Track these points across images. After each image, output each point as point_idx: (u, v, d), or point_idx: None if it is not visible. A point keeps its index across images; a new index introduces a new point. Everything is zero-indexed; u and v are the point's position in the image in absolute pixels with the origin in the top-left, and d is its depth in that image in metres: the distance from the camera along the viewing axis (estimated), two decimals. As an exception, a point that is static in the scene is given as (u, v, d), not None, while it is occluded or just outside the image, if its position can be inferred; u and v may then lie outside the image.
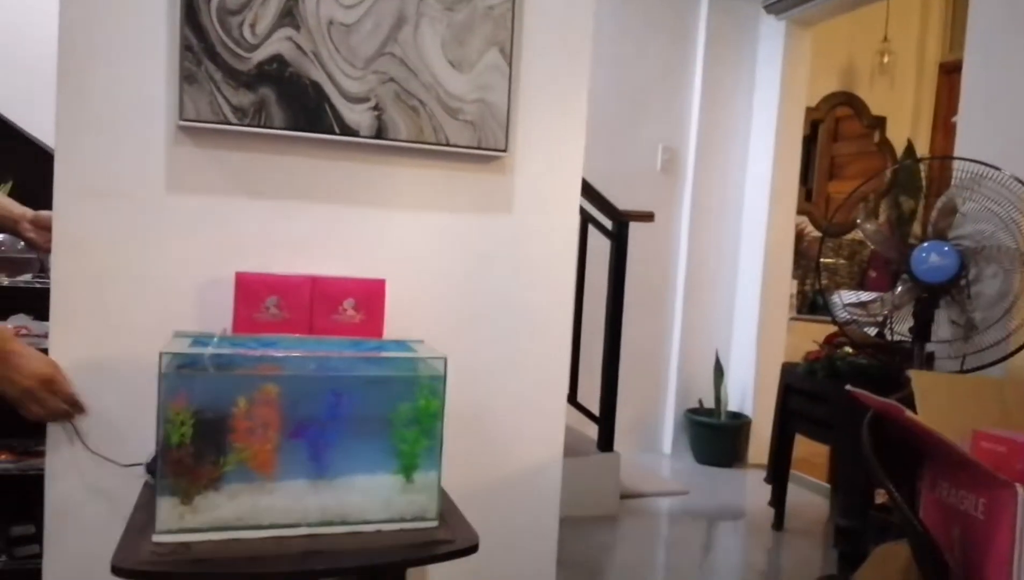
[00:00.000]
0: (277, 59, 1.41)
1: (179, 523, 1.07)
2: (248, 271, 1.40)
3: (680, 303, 4.11)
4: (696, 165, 4.06)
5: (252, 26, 1.39)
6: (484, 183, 1.61)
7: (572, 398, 3.15)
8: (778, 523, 3.08)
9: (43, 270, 1.96)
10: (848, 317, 2.38)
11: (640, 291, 3.81)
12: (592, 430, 3.23)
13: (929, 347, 2.28)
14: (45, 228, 1.53)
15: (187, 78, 1.36)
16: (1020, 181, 2.08)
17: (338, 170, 1.51)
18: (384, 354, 1.26)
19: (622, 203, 3.21)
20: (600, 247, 3.19)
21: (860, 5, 3.84)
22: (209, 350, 1.11)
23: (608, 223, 3.19)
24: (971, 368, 2.15)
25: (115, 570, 0.99)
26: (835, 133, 5.04)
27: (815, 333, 3.24)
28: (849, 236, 4.78)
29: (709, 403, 4.05)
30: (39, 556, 1.43)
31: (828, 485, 3.46)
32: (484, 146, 1.55)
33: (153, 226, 1.41)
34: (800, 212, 4.47)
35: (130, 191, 1.39)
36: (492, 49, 1.54)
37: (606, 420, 3.18)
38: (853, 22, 4.65)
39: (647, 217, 3.26)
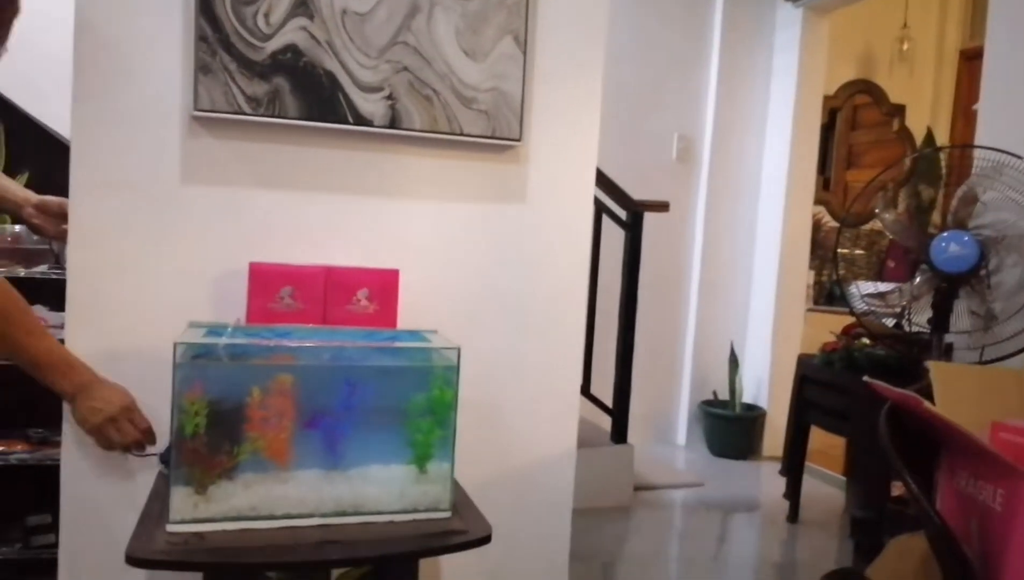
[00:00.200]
0: (291, 49, 1.41)
1: (193, 513, 1.07)
2: (262, 261, 1.41)
3: (695, 294, 4.09)
4: (712, 155, 4.03)
5: (266, 16, 1.39)
6: (498, 173, 1.60)
7: (586, 389, 3.14)
8: (793, 515, 3.06)
9: (58, 261, 1.98)
10: (866, 308, 2.36)
11: (654, 282, 3.79)
12: (606, 422, 3.22)
13: (948, 338, 2.25)
14: (50, 213, 1.53)
15: (202, 68, 1.36)
16: (1042, 170, 2.05)
17: (352, 160, 1.51)
18: (398, 344, 1.26)
19: (637, 193, 3.19)
20: (614, 237, 3.17)
21: (879, -8, 3.79)
22: (223, 340, 1.11)
23: (623, 213, 3.17)
24: (990, 359, 2.13)
25: (129, 559, 1.00)
26: (853, 121, 4.99)
27: (832, 324, 3.21)
28: (867, 226, 4.73)
29: (724, 395, 4.03)
30: (55, 546, 1.44)
31: (843, 477, 3.44)
32: (498, 135, 1.54)
33: (168, 217, 1.41)
34: (817, 202, 4.43)
35: (145, 182, 1.40)
36: (506, 38, 1.53)
37: (620, 412, 3.17)
38: (872, 9, 4.59)
39: (662, 207, 3.23)
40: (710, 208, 4.06)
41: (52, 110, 2.06)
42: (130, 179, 1.39)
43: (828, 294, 4.82)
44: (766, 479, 3.62)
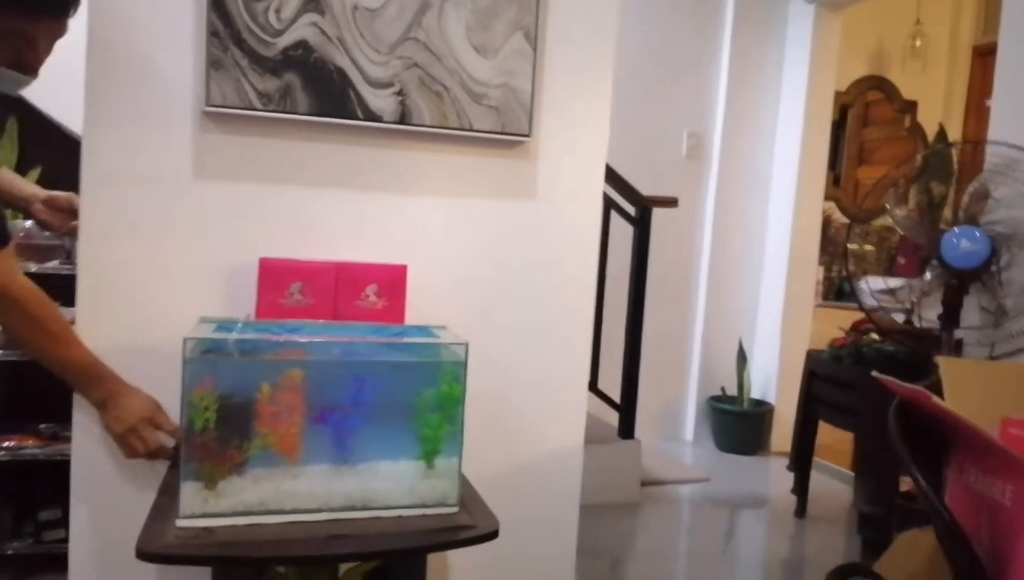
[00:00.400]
0: (302, 44, 1.41)
1: (203, 508, 1.08)
2: (272, 257, 1.41)
3: (703, 289, 4.08)
4: (722, 151, 4.02)
5: (277, 12, 1.39)
6: (507, 168, 1.60)
7: (593, 385, 3.15)
8: (801, 510, 3.06)
9: (69, 257, 1.99)
10: (876, 304, 2.36)
11: (663, 277, 3.78)
12: (613, 417, 3.22)
13: (958, 334, 2.25)
14: (59, 209, 1.54)
15: (213, 64, 1.37)
16: (1055, 166, 2.03)
17: (362, 156, 1.51)
18: (407, 340, 1.27)
19: (646, 189, 3.18)
20: (623, 233, 3.17)
21: (891, -14, 3.77)
22: (233, 335, 1.12)
23: (632, 209, 3.17)
24: (1001, 355, 2.12)
25: (140, 554, 1.01)
26: (865, 118, 4.96)
27: (841, 320, 3.20)
28: (877, 222, 4.71)
29: (732, 390, 4.02)
30: (66, 540, 1.45)
31: (851, 472, 3.43)
32: (508, 131, 1.54)
33: (179, 212, 1.42)
34: (828, 198, 4.41)
35: (156, 177, 1.40)
36: (517, 34, 1.53)
37: (627, 407, 3.17)
38: (884, 5, 4.56)
39: (671, 202, 3.23)
40: (719, 204, 4.05)
41: (64, 106, 2.07)
42: (141, 174, 1.39)
43: (837, 290, 4.81)
44: (774, 475, 3.62)
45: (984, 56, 4.82)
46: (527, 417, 1.66)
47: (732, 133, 4.02)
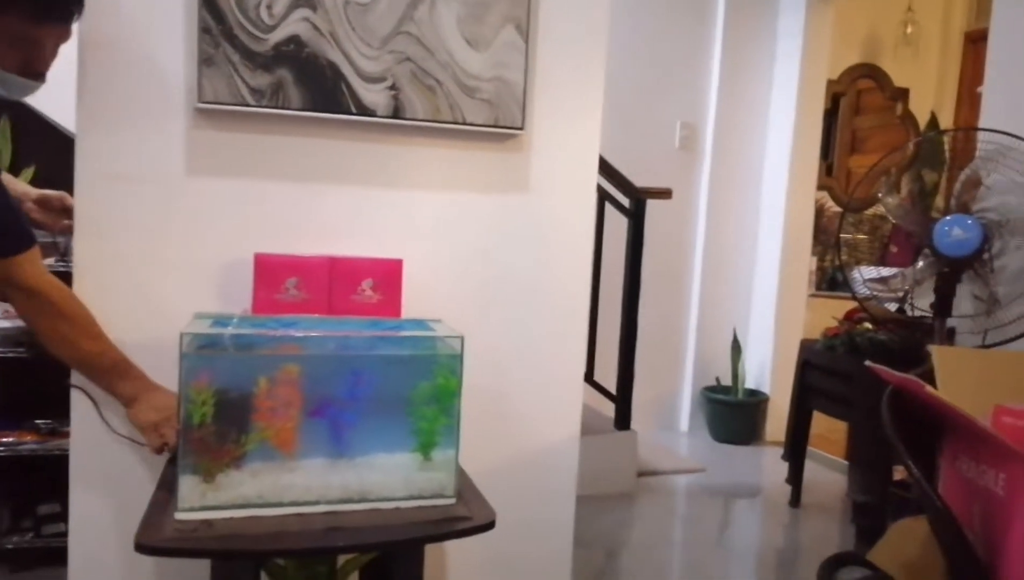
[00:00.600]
0: (294, 40, 1.41)
1: (201, 501, 1.09)
2: (267, 253, 1.41)
3: (698, 280, 4.09)
4: (715, 141, 4.02)
5: (269, 7, 1.39)
6: (501, 161, 1.61)
7: (589, 376, 3.16)
8: (795, 500, 3.08)
9: (64, 254, 1.99)
10: (868, 293, 2.37)
11: (657, 268, 3.79)
12: (609, 408, 3.23)
13: (950, 322, 2.26)
14: (51, 208, 1.54)
15: (205, 60, 1.37)
16: (1046, 154, 2.04)
17: (355, 150, 1.51)
18: (403, 333, 1.27)
19: (640, 180, 3.19)
20: (617, 225, 3.17)
21: (883, -25, 3.77)
22: (230, 330, 1.12)
23: (625, 201, 3.17)
24: (993, 343, 2.13)
25: (139, 547, 1.02)
26: (857, 106, 4.97)
27: (834, 309, 3.21)
28: (870, 211, 4.72)
29: (726, 381, 4.04)
30: (65, 534, 1.46)
31: (845, 462, 3.45)
32: (501, 124, 1.55)
33: (173, 209, 1.42)
34: (820, 187, 4.42)
35: (150, 174, 1.40)
36: (508, 26, 1.53)
37: (623, 398, 3.18)
38: (876, -8, 4.56)
39: (665, 194, 3.23)
40: (713, 195, 4.05)
41: (58, 104, 2.06)
42: (135, 172, 1.39)
43: (831, 280, 4.82)
44: (768, 464, 3.64)
45: (976, 43, 4.82)
46: (523, 409, 1.67)
47: (725, 123, 4.02)
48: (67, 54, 1.35)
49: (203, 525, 1.07)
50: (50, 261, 2.02)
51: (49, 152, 1.70)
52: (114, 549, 1.43)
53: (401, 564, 1.20)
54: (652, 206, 3.18)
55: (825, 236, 4.73)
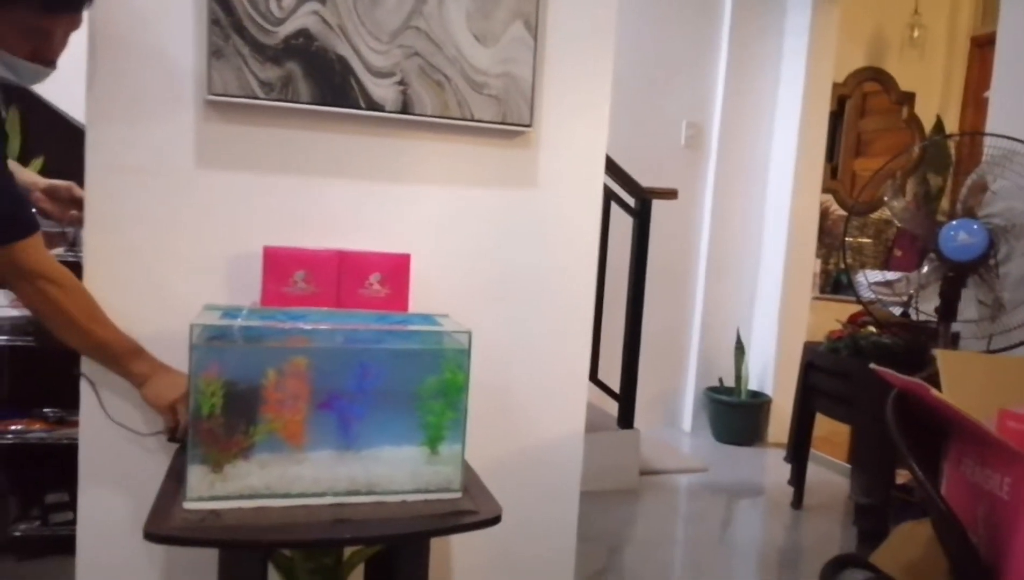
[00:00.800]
0: (303, 33, 1.41)
1: (210, 491, 1.09)
2: (276, 246, 1.42)
3: (702, 281, 4.10)
4: (720, 141, 4.02)
5: (279, 0, 1.39)
6: (508, 158, 1.61)
7: (593, 375, 3.16)
8: (797, 501, 3.08)
9: (74, 244, 2.00)
10: (873, 296, 2.37)
11: (662, 268, 3.79)
12: (612, 407, 3.24)
13: (955, 327, 2.26)
14: (59, 198, 1.55)
15: (215, 53, 1.37)
16: (1053, 158, 2.04)
17: (364, 145, 1.52)
18: (410, 327, 1.28)
19: (645, 180, 3.19)
20: (623, 224, 3.18)
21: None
22: (239, 322, 1.13)
23: (631, 200, 3.17)
24: (998, 348, 2.13)
25: (148, 535, 1.02)
26: (862, 109, 4.96)
27: (838, 312, 3.22)
28: (875, 215, 4.72)
29: (729, 381, 4.04)
30: (73, 523, 1.46)
31: (847, 464, 3.45)
32: (509, 121, 1.55)
33: (182, 201, 1.43)
34: (825, 190, 4.42)
35: (160, 166, 1.41)
36: (517, 22, 1.53)
37: (626, 397, 3.19)
38: (882, -5, 4.56)
39: (670, 194, 3.23)
40: (718, 195, 4.05)
41: (67, 95, 2.07)
42: (145, 163, 1.40)
43: (835, 282, 4.82)
44: (771, 465, 3.64)
45: (983, 47, 4.81)
46: (527, 405, 1.68)
47: (730, 123, 4.02)
48: (77, 45, 1.36)
49: (211, 515, 1.08)
50: (59, 251, 2.03)
51: (58, 143, 1.70)
52: (122, 538, 1.44)
53: (407, 557, 1.20)
54: (657, 205, 3.19)
55: (830, 239, 4.73)
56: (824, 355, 2.89)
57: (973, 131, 4.03)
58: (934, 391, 1.34)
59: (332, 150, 1.50)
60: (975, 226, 2.11)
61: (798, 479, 3.09)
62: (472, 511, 1.17)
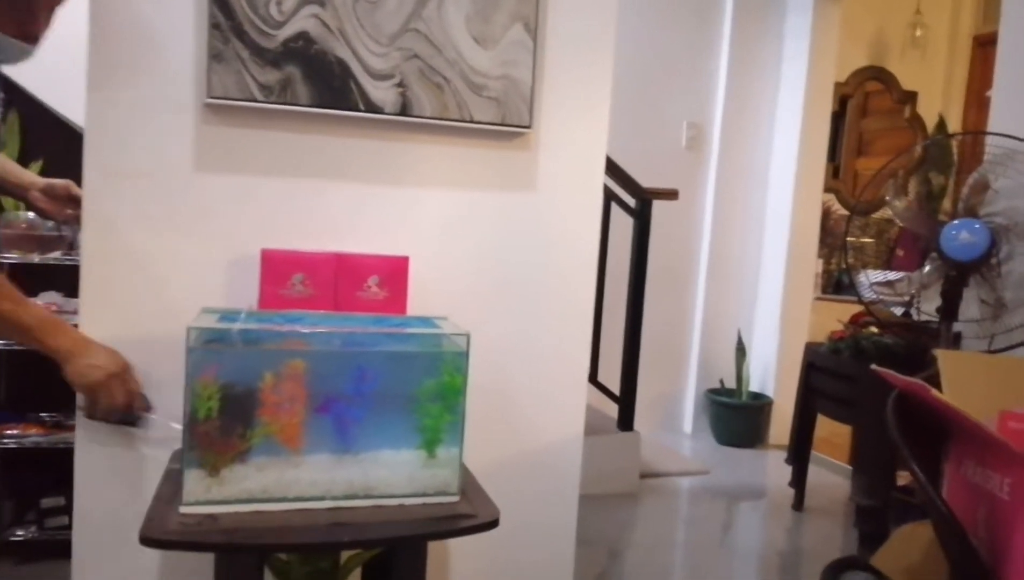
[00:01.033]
0: (303, 36, 1.41)
1: (206, 495, 1.09)
2: (274, 248, 1.42)
3: (703, 282, 4.09)
4: (721, 142, 4.02)
5: (278, 3, 1.39)
6: (508, 160, 1.61)
7: (593, 377, 3.15)
8: (798, 503, 3.08)
9: (72, 248, 2.00)
10: (874, 296, 2.36)
11: (662, 269, 3.79)
12: (612, 409, 3.23)
13: (957, 326, 2.25)
14: (56, 197, 1.54)
15: (215, 56, 1.37)
16: (1054, 158, 2.04)
17: (363, 147, 1.51)
18: (409, 330, 1.27)
19: (646, 180, 3.19)
20: (623, 225, 3.17)
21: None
22: (237, 325, 1.12)
23: (631, 201, 3.17)
24: (1000, 348, 2.13)
25: (144, 540, 1.02)
26: (864, 108, 4.96)
27: (840, 313, 3.21)
28: (877, 215, 4.72)
29: (730, 383, 4.03)
30: (69, 527, 1.46)
31: (848, 466, 3.45)
32: (508, 122, 1.55)
33: (181, 204, 1.42)
34: (827, 190, 4.41)
35: (159, 169, 1.41)
36: (516, 24, 1.53)
37: (626, 399, 3.18)
38: (884, -6, 4.55)
39: (671, 195, 3.23)
40: (719, 196, 4.05)
41: (66, 98, 2.07)
42: (144, 166, 1.40)
43: (836, 283, 4.81)
44: (772, 467, 3.63)
45: (984, 46, 4.81)
46: (526, 407, 1.67)
47: (732, 124, 4.02)
48: (76, 48, 1.36)
49: (207, 519, 1.07)
50: (56, 254, 2.03)
51: (57, 146, 1.71)
52: (118, 542, 1.43)
53: (404, 561, 1.19)
54: (657, 206, 3.18)
55: (831, 239, 4.72)
56: (825, 356, 2.88)
57: (975, 130, 4.02)
58: (934, 392, 1.34)
59: (331, 152, 1.50)
60: (977, 225, 2.11)
61: (799, 481, 3.09)
62: (470, 515, 1.16)
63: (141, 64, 1.38)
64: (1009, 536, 1.26)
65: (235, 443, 1.10)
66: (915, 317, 2.40)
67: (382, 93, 1.46)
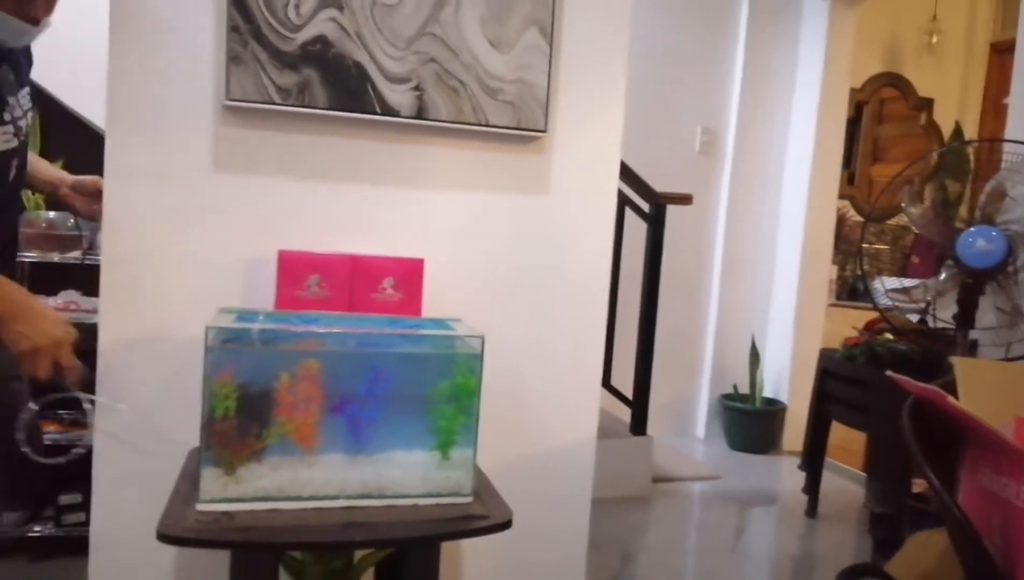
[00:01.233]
0: (321, 40, 1.42)
1: (223, 493, 1.10)
2: (291, 250, 1.43)
3: (716, 287, 4.08)
4: (736, 147, 4.01)
5: (297, 7, 1.40)
6: (523, 163, 1.61)
7: (606, 381, 3.15)
8: (811, 510, 3.06)
9: (92, 247, 2.02)
10: (890, 303, 2.35)
11: (676, 274, 3.78)
12: (625, 413, 3.23)
13: (973, 334, 2.24)
14: (86, 193, 1.56)
15: (233, 59, 1.38)
16: (1072, 165, 2.02)
17: (379, 150, 1.53)
18: (423, 332, 1.28)
19: (659, 185, 3.18)
20: (637, 230, 3.17)
21: (908, -17, 3.75)
22: (254, 325, 1.13)
23: (645, 205, 3.17)
24: (1016, 356, 2.11)
25: (161, 536, 1.03)
26: (880, 115, 4.94)
27: (854, 319, 3.19)
28: (892, 221, 4.69)
29: (744, 388, 4.02)
30: (86, 524, 1.47)
31: (863, 472, 3.42)
32: (523, 126, 1.55)
33: (200, 204, 1.44)
34: (842, 196, 4.39)
35: (178, 170, 1.42)
36: (532, 28, 1.54)
37: (639, 403, 3.18)
38: (900, 0, 4.53)
39: (685, 200, 3.23)
40: (733, 201, 4.04)
41: (87, 100, 2.10)
42: (163, 167, 1.41)
43: (851, 289, 4.79)
44: (785, 473, 3.62)
45: (1002, 53, 4.78)
46: (540, 411, 1.68)
47: (746, 129, 4.01)
48: (97, 50, 1.38)
49: (223, 517, 1.08)
50: (76, 254, 2.06)
51: (78, 147, 1.73)
52: (135, 539, 1.44)
53: (417, 561, 1.20)
54: (671, 211, 3.18)
55: (846, 245, 4.70)
56: (840, 362, 2.87)
57: (992, 137, 3.99)
58: (951, 399, 1.33)
59: (347, 155, 1.51)
60: (993, 233, 2.09)
61: (813, 487, 3.07)
62: (483, 516, 1.17)
63: (161, 66, 1.40)
64: (1024, 544, 1.25)
65: (251, 442, 1.11)
66: (931, 324, 2.39)
67: (398, 96, 1.48)
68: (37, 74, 1.50)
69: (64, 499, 2.10)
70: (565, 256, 1.66)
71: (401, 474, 1.18)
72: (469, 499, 1.20)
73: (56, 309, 1.56)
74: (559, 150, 1.63)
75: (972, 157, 2.42)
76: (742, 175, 4.04)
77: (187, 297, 1.44)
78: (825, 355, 3.01)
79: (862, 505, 3.18)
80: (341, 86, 1.44)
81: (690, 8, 3.93)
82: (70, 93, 2.13)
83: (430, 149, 1.55)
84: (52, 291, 2.08)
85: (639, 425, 3.17)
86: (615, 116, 1.66)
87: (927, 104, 4.88)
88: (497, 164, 1.60)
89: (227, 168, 1.45)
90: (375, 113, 1.47)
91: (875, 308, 2.44)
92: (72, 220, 1.98)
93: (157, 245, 1.42)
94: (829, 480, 3.25)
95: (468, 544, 1.65)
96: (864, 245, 3.74)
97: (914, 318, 2.53)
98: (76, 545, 1.73)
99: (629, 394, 3.21)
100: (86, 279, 1.58)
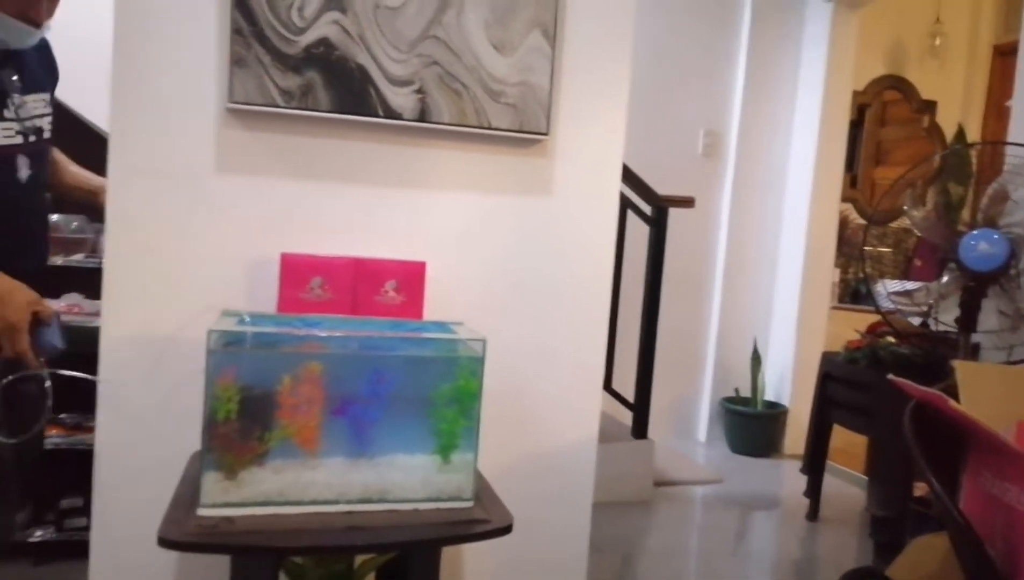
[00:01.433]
0: (324, 42, 1.42)
1: (224, 497, 1.10)
2: (294, 252, 1.43)
3: (718, 290, 4.08)
4: (738, 150, 4.01)
5: (300, 10, 1.41)
6: (525, 166, 1.61)
7: (607, 384, 3.15)
8: (813, 513, 3.05)
9: (95, 250, 2.02)
10: (892, 306, 2.35)
11: (678, 277, 3.77)
12: (627, 416, 3.22)
13: (975, 337, 2.24)
14: None
15: (237, 62, 1.38)
16: (1075, 169, 2.02)
17: (382, 153, 1.53)
18: (425, 335, 1.28)
19: (662, 187, 3.18)
20: (639, 232, 3.17)
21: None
22: (256, 328, 1.14)
23: (647, 208, 3.17)
24: (1018, 360, 2.11)
25: (162, 541, 1.03)
26: (882, 117, 4.93)
27: (856, 322, 3.19)
28: (895, 224, 4.69)
29: (746, 392, 4.01)
30: (87, 528, 1.47)
31: (864, 476, 3.42)
32: (526, 129, 1.55)
33: (203, 207, 1.44)
34: (845, 199, 4.39)
35: (181, 172, 1.42)
36: (535, 31, 1.54)
37: (641, 407, 3.17)
38: (902, 2, 4.53)
39: (687, 202, 3.23)
40: (735, 204, 4.04)
41: (88, 100, 2.10)
42: (166, 169, 1.41)
43: (853, 292, 4.79)
44: (787, 477, 3.61)
45: (1005, 55, 4.78)
46: (541, 414, 1.68)
47: (748, 132, 4.01)
48: (101, 52, 1.38)
49: (224, 521, 1.08)
50: (80, 256, 2.06)
51: (81, 150, 1.73)
52: (136, 543, 1.44)
53: (418, 565, 1.20)
54: (674, 214, 3.18)
55: (849, 248, 4.70)
56: (842, 365, 2.86)
57: (995, 140, 3.99)
58: (952, 402, 1.33)
59: (350, 157, 1.51)
60: (996, 236, 2.09)
61: (814, 491, 3.07)
62: (484, 520, 1.17)
63: (165, 68, 1.40)
64: (1027, 548, 1.24)
65: (253, 445, 1.11)
66: (933, 327, 2.39)
67: (401, 99, 1.48)
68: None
69: (66, 503, 2.10)
70: (567, 259, 1.66)
71: (403, 478, 1.18)
72: (470, 503, 1.20)
73: (60, 311, 1.56)
74: (561, 153, 1.63)
75: (975, 160, 2.42)
76: (744, 178, 4.03)
77: (189, 299, 1.44)
78: (827, 358, 3.01)
79: (864, 509, 3.18)
80: (344, 89, 1.44)
81: (693, 11, 3.93)
82: (71, 94, 2.13)
83: (432, 152, 1.55)
84: (56, 294, 2.08)
85: (640, 428, 3.17)
86: (618, 119, 1.66)
87: (930, 107, 4.87)
88: (499, 167, 1.60)
89: (230, 170, 1.45)
90: (378, 116, 1.47)
91: (877, 311, 2.44)
92: (75, 223, 1.98)
93: (160, 247, 1.42)
94: (831, 483, 3.24)
95: (470, 548, 1.64)
96: (866, 248, 3.74)
97: (916, 321, 2.53)
98: (77, 549, 1.73)
99: (630, 397, 3.20)
100: (90, 282, 1.58)
